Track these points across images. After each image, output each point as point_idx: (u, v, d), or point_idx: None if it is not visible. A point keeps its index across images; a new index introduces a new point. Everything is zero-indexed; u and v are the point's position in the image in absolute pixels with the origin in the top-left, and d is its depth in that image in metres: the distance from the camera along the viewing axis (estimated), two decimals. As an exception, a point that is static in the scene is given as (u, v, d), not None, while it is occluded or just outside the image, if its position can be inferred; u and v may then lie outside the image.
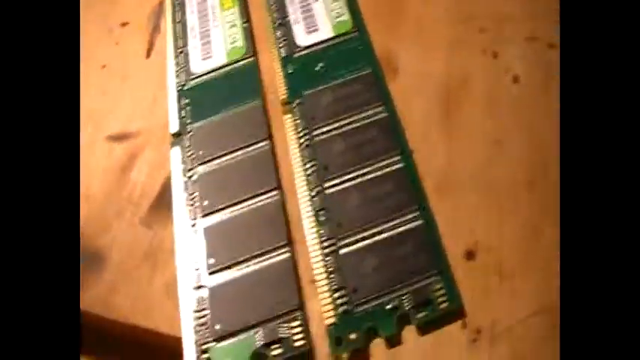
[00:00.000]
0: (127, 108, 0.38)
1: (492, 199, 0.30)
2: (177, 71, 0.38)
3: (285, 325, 0.28)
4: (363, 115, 0.33)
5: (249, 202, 0.32)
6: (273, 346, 0.28)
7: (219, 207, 0.32)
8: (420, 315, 0.28)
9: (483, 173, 0.31)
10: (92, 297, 0.32)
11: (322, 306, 0.28)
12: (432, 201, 0.31)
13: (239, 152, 0.34)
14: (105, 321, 0.31)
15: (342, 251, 0.29)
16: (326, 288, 0.29)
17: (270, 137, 0.34)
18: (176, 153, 0.35)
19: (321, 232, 0.30)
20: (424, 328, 0.28)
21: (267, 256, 0.30)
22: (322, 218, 0.31)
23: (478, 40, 0.35)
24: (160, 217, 0.33)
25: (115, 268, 0.32)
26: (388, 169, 0.31)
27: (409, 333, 0.28)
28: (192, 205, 0.32)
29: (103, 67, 0.40)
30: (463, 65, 0.34)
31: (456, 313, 0.28)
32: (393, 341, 0.28)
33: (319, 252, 0.30)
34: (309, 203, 0.31)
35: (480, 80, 0.34)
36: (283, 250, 0.30)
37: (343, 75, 0.35)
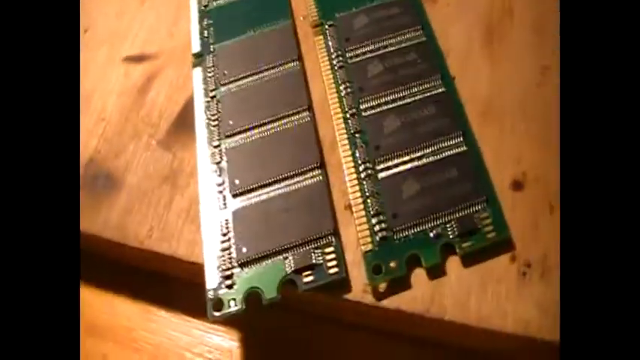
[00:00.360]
0: (146, 29, 0.35)
1: (540, 127, 0.28)
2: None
3: (319, 250, 0.26)
4: (400, 38, 0.31)
5: (278, 122, 0.30)
6: (304, 273, 0.26)
7: (245, 127, 0.30)
8: (466, 244, 0.26)
9: (531, 100, 0.29)
10: (105, 221, 0.29)
11: (359, 232, 0.26)
12: (476, 128, 0.28)
13: (266, 73, 0.31)
14: (118, 246, 0.29)
15: (381, 175, 0.27)
16: (362, 213, 0.27)
17: (300, 58, 0.31)
18: (198, 74, 0.32)
19: (357, 155, 0.28)
20: (470, 259, 0.26)
21: (298, 179, 0.28)
22: (358, 141, 0.28)
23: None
24: (180, 138, 0.31)
25: (131, 190, 0.30)
26: (429, 93, 0.29)
27: (453, 263, 0.26)
28: (215, 125, 0.30)
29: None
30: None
31: (504, 244, 0.26)
32: (436, 272, 0.26)
33: (355, 176, 0.27)
34: (343, 125, 0.29)
35: (525, 8, 0.31)
36: (315, 173, 0.28)
37: (378, -1, 0.32)
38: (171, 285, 0.30)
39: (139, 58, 0.34)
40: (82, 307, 0.28)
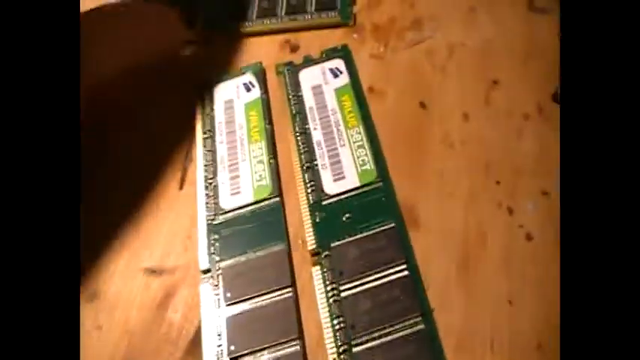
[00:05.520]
0: (163, 240, 0.40)
1: (505, 360, 0.33)
2: (207, 204, 0.40)
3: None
4: (387, 272, 0.35)
5: (272, 349, 0.34)
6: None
7: (245, 352, 0.34)
8: None
9: (495, 335, 0.34)
10: None
11: None
12: (451, 361, 0.33)
13: (261, 298, 0.36)
14: None
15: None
16: None
17: (293, 284, 0.36)
18: (206, 290, 0.37)
19: (348, 394, 0.32)
20: None
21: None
22: (349, 381, 0.33)
23: (494, 193, 0.38)
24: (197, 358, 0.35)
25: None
26: (410, 331, 0.34)
27: None
28: (219, 348, 0.35)
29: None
30: (480, 220, 0.37)
31: None
32: None
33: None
34: (337, 361, 0.33)
35: (495, 237, 0.36)
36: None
37: (368, 228, 0.37)
38: None
39: (157, 271, 0.39)
40: None
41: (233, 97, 0.45)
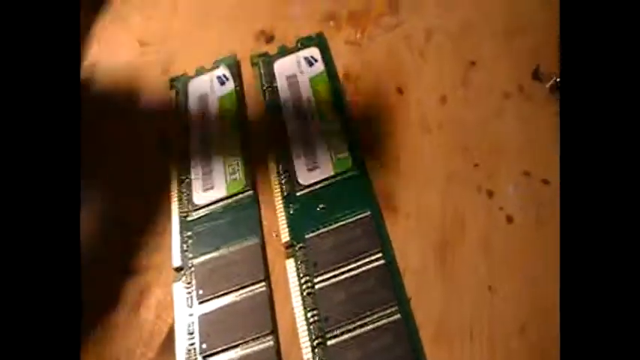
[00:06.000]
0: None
1: (485, 349, 0.31)
2: (179, 201, 0.39)
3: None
4: (362, 262, 0.34)
5: (245, 345, 0.33)
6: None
7: (217, 350, 0.34)
8: None
9: (475, 322, 0.32)
10: None
11: None
12: (428, 352, 0.32)
13: (236, 294, 0.35)
14: None
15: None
16: None
17: (267, 278, 0.35)
18: (179, 289, 0.36)
19: (323, 388, 0.31)
20: None
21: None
22: (323, 373, 0.32)
23: (473, 176, 0.36)
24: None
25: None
26: (386, 320, 0.32)
27: None
28: (192, 344, 0.34)
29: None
30: (459, 205, 0.36)
31: None
32: None
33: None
34: (310, 355, 0.32)
35: (474, 221, 0.35)
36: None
37: (343, 217, 0.36)
38: None
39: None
40: None
41: (207, 91, 0.44)
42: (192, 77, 0.45)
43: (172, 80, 0.46)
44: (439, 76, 0.41)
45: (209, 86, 0.44)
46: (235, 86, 0.43)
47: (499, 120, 0.38)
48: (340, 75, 0.42)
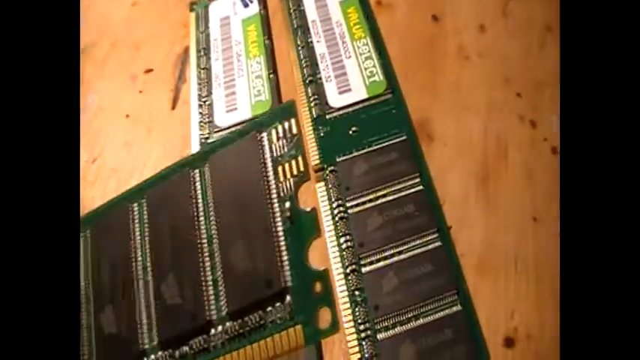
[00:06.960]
0: (153, 162, 0.36)
1: (531, 280, 0.29)
2: (201, 123, 0.37)
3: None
4: (398, 186, 0.32)
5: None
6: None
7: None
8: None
9: (520, 253, 0.30)
10: None
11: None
12: (471, 283, 0.30)
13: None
14: None
15: (379, 336, 0.29)
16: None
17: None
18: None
19: (357, 313, 0.29)
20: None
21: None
22: (358, 299, 0.29)
23: (515, 106, 0.34)
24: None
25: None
26: (425, 249, 0.30)
27: None
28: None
29: (126, 116, 0.39)
30: (501, 133, 0.33)
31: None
32: None
33: (355, 336, 0.29)
34: (343, 282, 0.30)
35: (518, 151, 0.33)
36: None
37: (377, 141, 0.33)
38: None
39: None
40: None
41: (230, 13, 0.41)
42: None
43: (193, 4, 0.42)
44: (477, 5, 0.38)
45: (232, 9, 0.41)
46: (260, 9, 0.40)
47: (542, 53, 0.36)
48: (372, 0, 0.40)
